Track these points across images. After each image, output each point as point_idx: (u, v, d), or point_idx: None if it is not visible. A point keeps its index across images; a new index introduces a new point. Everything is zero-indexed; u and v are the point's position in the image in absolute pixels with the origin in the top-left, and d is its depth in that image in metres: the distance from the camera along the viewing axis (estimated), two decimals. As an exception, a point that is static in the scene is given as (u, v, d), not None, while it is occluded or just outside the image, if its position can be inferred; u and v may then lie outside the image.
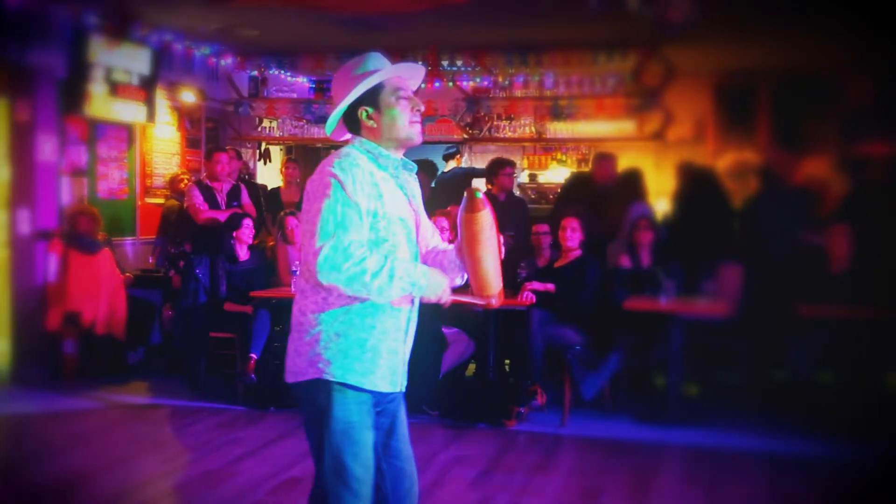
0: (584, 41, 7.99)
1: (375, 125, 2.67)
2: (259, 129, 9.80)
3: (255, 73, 9.50)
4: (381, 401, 2.69)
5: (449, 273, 2.73)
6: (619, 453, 5.42)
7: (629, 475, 4.96)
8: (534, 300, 6.04)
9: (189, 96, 8.99)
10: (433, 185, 8.48)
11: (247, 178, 8.72)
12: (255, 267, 6.85)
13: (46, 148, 7.19)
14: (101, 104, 7.50)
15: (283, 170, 8.64)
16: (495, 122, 9.11)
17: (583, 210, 6.46)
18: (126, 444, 5.58)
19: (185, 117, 9.16)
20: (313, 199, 2.55)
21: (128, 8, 7.31)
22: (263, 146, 10.13)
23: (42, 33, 6.95)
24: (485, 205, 2.60)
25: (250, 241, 6.88)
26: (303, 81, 9.98)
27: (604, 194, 7.25)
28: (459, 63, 8.71)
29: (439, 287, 2.60)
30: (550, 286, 6.15)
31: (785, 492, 4.76)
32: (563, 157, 9.99)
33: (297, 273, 6.47)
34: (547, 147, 9.83)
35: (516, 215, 7.40)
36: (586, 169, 9.15)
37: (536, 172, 10.11)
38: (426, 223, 2.81)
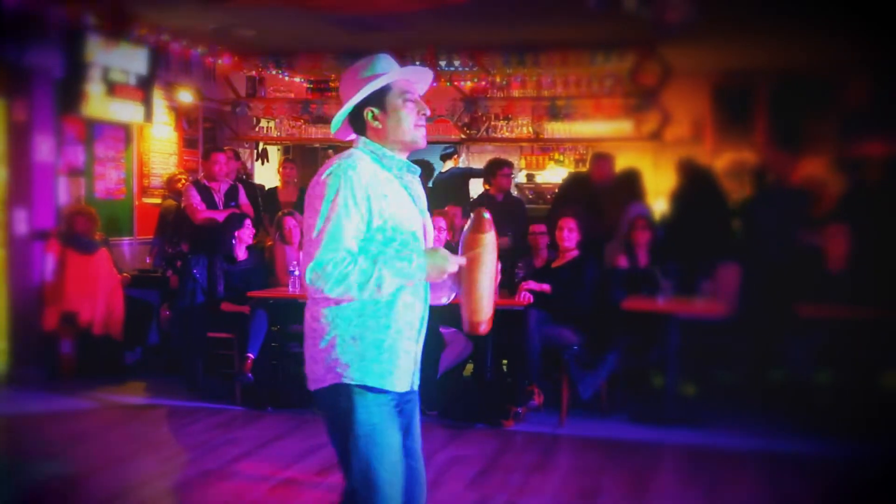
0: (582, 41, 7.99)
1: (381, 126, 2.66)
2: (256, 129, 9.80)
3: (253, 73, 9.50)
4: (399, 401, 2.69)
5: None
6: (616, 453, 5.42)
7: (627, 475, 4.96)
8: (531, 300, 6.04)
9: (186, 96, 8.99)
10: (430, 184, 8.49)
11: (244, 178, 8.72)
12: (253, 267, 6.84)
13: (43, 148, 7.18)
14: (99, 104, 7.49)
15: (281, 170, 8.64)
16: (493, 123, 9.11)
17: (580, 210, 6.45)
18: (123, 444, 5.57)
19: (183, 117, 9.15)
20: (309, 208, 2.56)
21: (125, 8, 7.30)
22: (261, 146, 10.13)
23: (39, 33, 6.94)
24: (491, 227, 2.62)
25: (250, 242, 6.88)
26: (300, 81, 9.97)
27: (601, 194, 7.25)
28: (457, 63, 8.71)
29: (440, 267, 2.57)
30: (546, 287, 6.15)
31: (783, 491, 4.76)
32: (561, 158, 10.01)
33: (296, 273, 6.50)
34: (544, 147, 9.85)
35: (514, 215, 7.41)
36: (584, 169, 9.15)
37: (534, 172, 10.13)
38: (430, 227, 2.81)
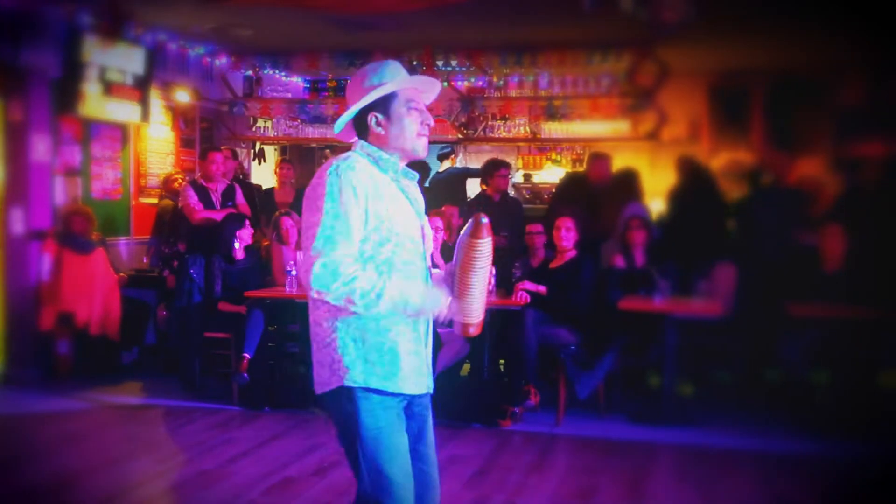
0: (579, 41, 7.99)
1: (383, 132, 2.67)
2: (253, 129, 9.79)
3: (250, 72, 9.49)
4: (409, 404, 2.68)
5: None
6: (613, 453, 5.43)
7: (624, 475, 4.96)
8: (528, 300, 6.04)
9: (183, 96, 8.98)
10: (427, 184, 8.48)
11: (241, 177, 8.71)
12: (251, 267, 6.84)
13: (40, 148, 7.18)
14: (95, 104, 7.48)
15: (277, 170, 8.63)
16: (490, 122, 9.11)
17: (577, 210, 6.46)
18: (120, 444, 5.57)
19: (180, 117, 9.14)
20: (308, 210, 2.56)
21: (122, 7, 7.29)
22: (258, 146, 10.12)
23: (36, 33, 6.93)
24: (489, 233, 2.62)
25: (249, 242, 6.88)
26: (297, 81, 9.97)
27: (598, 194, 7.25)
28: (454, 63, 8.71)
29: (436, 303, 2.60)
30: (542, 288, 6.15)
31: (779, 491, 4.76)
32: (558, 157, 10.00)
33: (294, 273, 6.49)
34: (541, 147, 9.84)
35: (511, 215, 7.41)
36: (581, 169, 9.15)
37: (531, 172, 10.12)
38: (429, 232, 2.81)
